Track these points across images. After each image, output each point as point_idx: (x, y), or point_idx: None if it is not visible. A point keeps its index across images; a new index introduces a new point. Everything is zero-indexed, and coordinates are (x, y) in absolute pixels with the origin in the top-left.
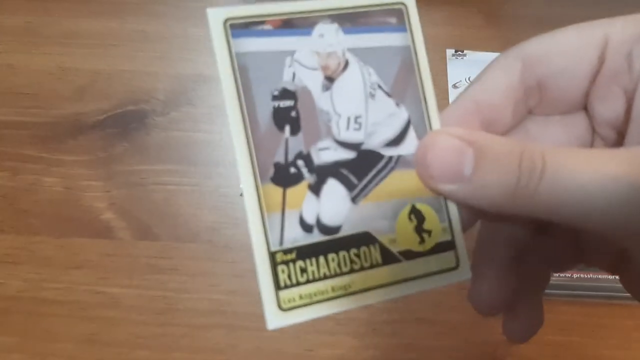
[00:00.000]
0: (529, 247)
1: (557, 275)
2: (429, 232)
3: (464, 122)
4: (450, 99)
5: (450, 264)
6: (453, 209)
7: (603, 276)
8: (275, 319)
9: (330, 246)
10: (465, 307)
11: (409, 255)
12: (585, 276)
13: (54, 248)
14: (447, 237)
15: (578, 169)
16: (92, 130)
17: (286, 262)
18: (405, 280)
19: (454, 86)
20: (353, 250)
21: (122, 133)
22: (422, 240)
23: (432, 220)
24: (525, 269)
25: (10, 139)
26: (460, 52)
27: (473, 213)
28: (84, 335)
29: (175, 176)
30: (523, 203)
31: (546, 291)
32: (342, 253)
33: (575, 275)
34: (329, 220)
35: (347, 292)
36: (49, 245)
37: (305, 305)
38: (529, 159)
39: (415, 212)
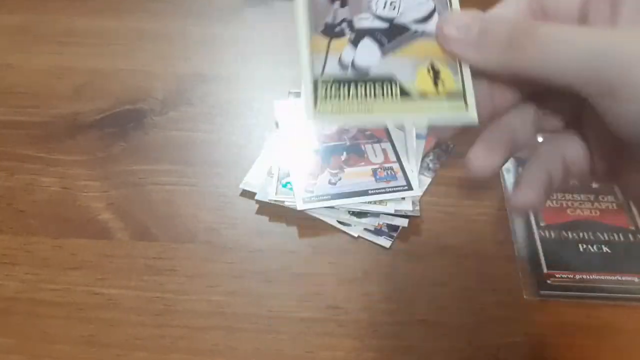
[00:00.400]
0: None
1: (559, 276)
2: (444, 82)
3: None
4: None
5: (460, 108)
6: (466, 68)
7: (605, 277)
8: (313, 121)
9: (360, 80)
10: (466, 309)
11: (424, 95)
12: (588, 277)
13: (51, 248)
14: (459, 89)
15: (566, 37)
16: (90, 129)
17: (325, 86)
18: (419, 111)
19: None
20: (378, 84)
21: (120, 133)
22: (437, 87)
23: (446, 74)
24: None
25: (8, 139)
26: None
27: (483, 75)
28: (82, 337)
29: (173, 176)
30: (517, 63)
31: (548, 292)
32: (369, 85)
33: (577, 277)
34: (361, 63)
35: (370, 113)
36: (47, 246)
37: (336, 113)
38: (523, 26)
39: (433, 67)
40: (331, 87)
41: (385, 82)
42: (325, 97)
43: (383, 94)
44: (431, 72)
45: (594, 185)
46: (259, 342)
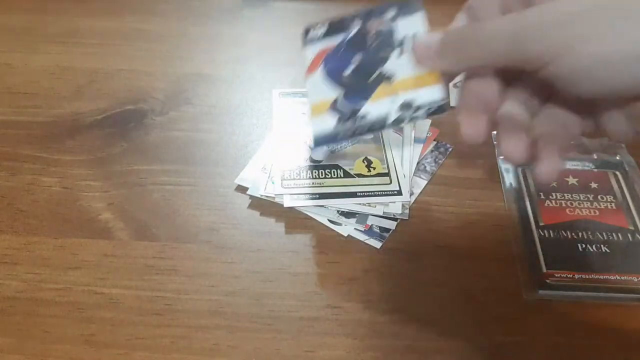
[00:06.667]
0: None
1: (558, 276)
2: (374, 167)
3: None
4: (451, 98)
5: (386, 182)
6: (390, 157)
7: (604, 277)
8: (282, 193)
9: (314, 167)
10: (465, 308)
11: (360, 175)
12: (587, 277)
13: (52, 248)
14: (386, 171)
15: (496, 30)
16: (90, 129)
17: (290, 171)
18: (356, 184)
19: (454, 85)
20: (327, 169)
21: (121, 133)
22: (369, 170)
23: (377, 163)
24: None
25: (9, 139)
26: None
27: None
28: (82, 336)
29: (174, 176)
30: (470, 61)
31: (547, 292)
32: (320, 170)
33: (576, 276)
34: (316, 157)
35: (322, 186)
36: (47, 246)
37: (298, 187)
38: (466, 31)
39: (366, 159)
40: (296, 171)
41: (333, 168)
42: (291, 177)
43: (331, 175)
44: (365, 161)
45: (593, 185)
46: (259, 341)
